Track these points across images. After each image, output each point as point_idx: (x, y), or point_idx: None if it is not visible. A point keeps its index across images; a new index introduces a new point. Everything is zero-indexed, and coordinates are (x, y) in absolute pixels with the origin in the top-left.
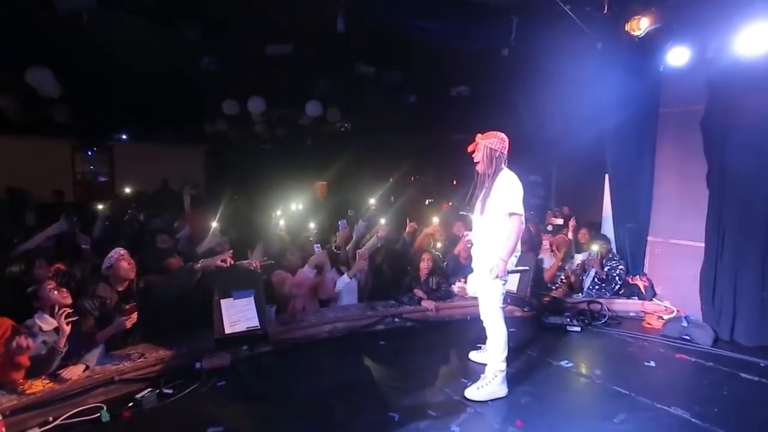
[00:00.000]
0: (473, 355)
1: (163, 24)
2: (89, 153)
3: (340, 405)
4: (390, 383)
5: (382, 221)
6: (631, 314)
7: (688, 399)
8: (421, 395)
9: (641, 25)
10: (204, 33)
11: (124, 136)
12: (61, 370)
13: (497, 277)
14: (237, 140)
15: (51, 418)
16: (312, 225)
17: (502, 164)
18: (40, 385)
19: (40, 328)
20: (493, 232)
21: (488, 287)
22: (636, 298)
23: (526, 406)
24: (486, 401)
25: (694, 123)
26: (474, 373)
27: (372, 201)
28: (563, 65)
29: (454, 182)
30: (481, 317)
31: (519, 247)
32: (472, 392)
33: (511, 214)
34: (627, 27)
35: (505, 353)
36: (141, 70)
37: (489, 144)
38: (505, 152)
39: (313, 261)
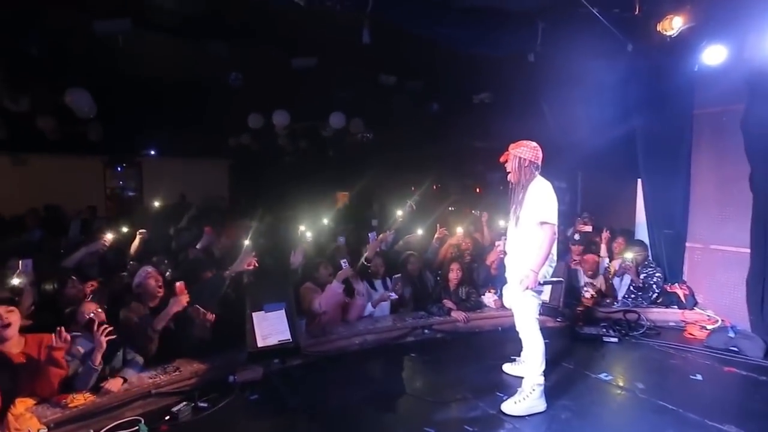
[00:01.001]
0: (507, 368)
1: (190, 41)
2: (119, 169)
3: (373, 419)
4: (423, 396)
5: (419, 231)
6: (671, 324)
7: (741, 415)
8: (456, 409)
9: (674, 25)
10: (230, 48)
11: (152, 152)
12: (103, 382)
13: (528, 288)
14: (260, 153)
15: (92, 431)
16: (342, 239)
17: (534, 173)
18: (81, 399)
19: (78, 350)
20: (526, 243)
21: (523, 299)
22: (675, 307)
23: (566, 421)
24: (524, 416)
25: (732, 123)
26: (509, 386)
27: (399, 212)
28: (591, 68)
29: (478, 190)
30: (517, 329)
31: (554, 256)
32: (509, 407)
33: (542, 224)
34: (659, 27)
35: (543, 366)
36: (168, 86)
37: (518, 153)
38: (537, 160)
39: (341, 276)
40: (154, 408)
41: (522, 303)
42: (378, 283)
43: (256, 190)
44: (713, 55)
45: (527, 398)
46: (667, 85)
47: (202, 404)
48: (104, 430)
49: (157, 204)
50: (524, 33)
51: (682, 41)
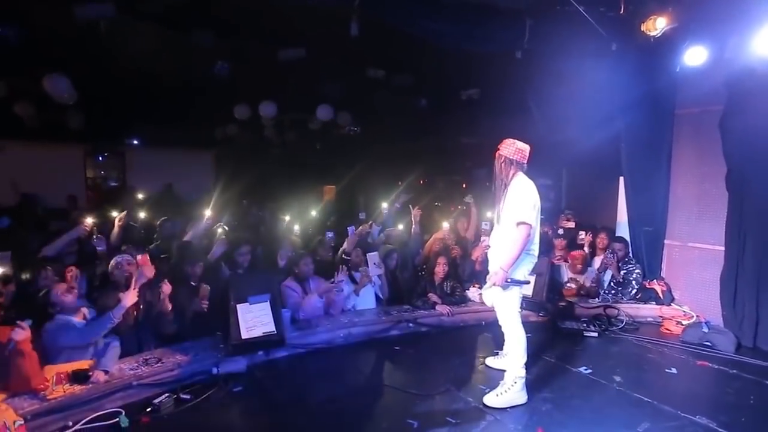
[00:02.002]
0: (490, 361)
1: (175, 30)
2: (101, 158)
3: (357, 411)
4: (407, 389)
5: (400, 225)
6: (649, 319)
7: (713, 408)
8: (439, 402)
9: (657, 25)
10: (216, 38)
11: (135, 142)
12: (91, 373)
13: (495, 284)
14: (246, 144)
15: (71, 423)
16: (330, 235)
17: (517, 171)
18: (60, 390)
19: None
20: (504, 240)
21: (501, 294)
22: (653, 302)
23: (547, 413)
24: (505, 408)
25: (711, 124)
26: (492, 379)
27: (384, 205)
28: (577, 67)
29: (464, 186)
30: (500, 323)
31: (536, 253)
32: (491, 399)
33: (518, 223)
34: (643, 27)
35: (525, 359)
36: (153, 75)
37: (502, 151)
38: (522, 159)
39: (322, 290)
40: (136, 400)
41: (501, 298)
42: (359, 276)
43: (243, 182)
44: (694, 56)
45: (509, 391)
46: (651, 85)
47: (184, 396)
48: (84, 421)
49: (140, 194)
50: (512, 30)
51: (665, 42)
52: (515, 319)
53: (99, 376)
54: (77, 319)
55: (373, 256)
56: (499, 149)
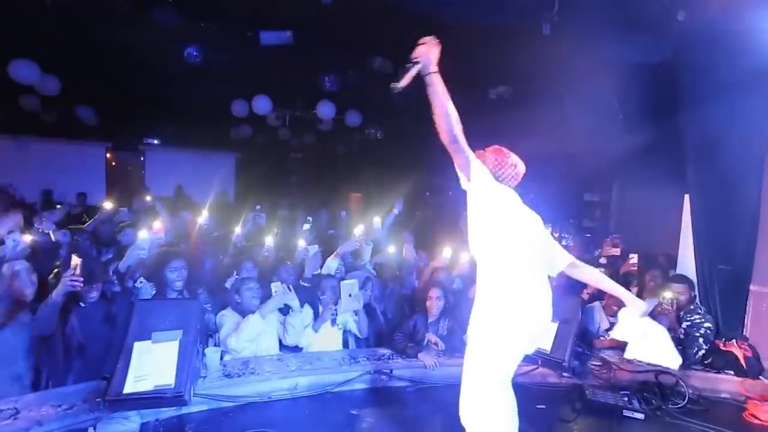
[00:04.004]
0: None
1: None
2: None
3: None
4: None
5: (391, 249)
6: (724, 396)
7: None
8: None
9: None
10: (180, 15)
11: (155, 141)
12: None
13: None
14: (265, 147)
15: None
16: (301, 245)
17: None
18: None
19: None
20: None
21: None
22: (732, 372)
23: None
24: None
25: None
26: None
27: (377, 219)
28: (624, 46)
29: None
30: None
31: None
32: None
33: None
34: None
35: None
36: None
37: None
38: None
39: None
40: None
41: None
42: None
43: (259, 184)
44: None
45: None
46: (736, 68)
47: None
48: None
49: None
50: None
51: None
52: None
53: None
54: None
55: (348, 286)
56: None
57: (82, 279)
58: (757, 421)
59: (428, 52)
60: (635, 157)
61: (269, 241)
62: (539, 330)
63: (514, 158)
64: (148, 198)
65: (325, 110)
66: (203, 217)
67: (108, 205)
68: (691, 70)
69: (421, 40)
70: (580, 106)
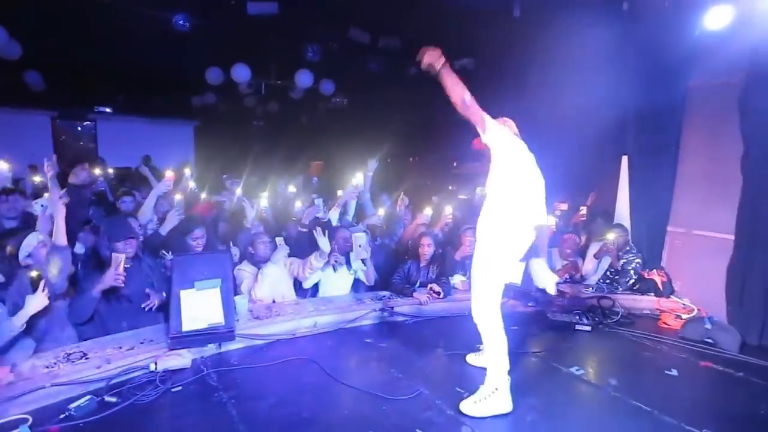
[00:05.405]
0: (471, 359)
1: None
2: (70, 126)
3: (309, 418)
4: (373, 391)
5: (381, 212)
6: (646, 312)
7: (720, 419)
8: (409, 408)
9: None
10: None
11: (108, 110)
12: None
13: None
14: (228, 116)
15: None
16: (299, 205)
17: None
18: None
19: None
20: None
21: (485, 282)
22: (652, 294)
23: (532, 425)
24: (484, 418)
25: (729, 99)
26: (470, 380)
27: (355, 181)
28: (581, 30)
29: (455, 164)
30: (474, 318)
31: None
32: (468, 406)
33: None
34: None
35: (507, 364)
36: (125, 34)
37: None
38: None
39: (278, 256)
40: (52, 403)
41: (483, 287)
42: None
43: (223, 155)
44: (717, 17)
45: (489, 398)
46: (664, 52)
47: (110, 398)
48: None
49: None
50: None
51: (685, 0)
52: (497, 315)
53: (2, 374)
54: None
55: (359, 237)
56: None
57: (125, 275)
58: (666, 327)
59: (431, 59)
60: (582, 125)
61: (263, 202)
62: (513, 267)
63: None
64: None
65: (304, 79)
66: (191, 183)
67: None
68: (630, 54)
69: (422, 50)
70: (539, 80)
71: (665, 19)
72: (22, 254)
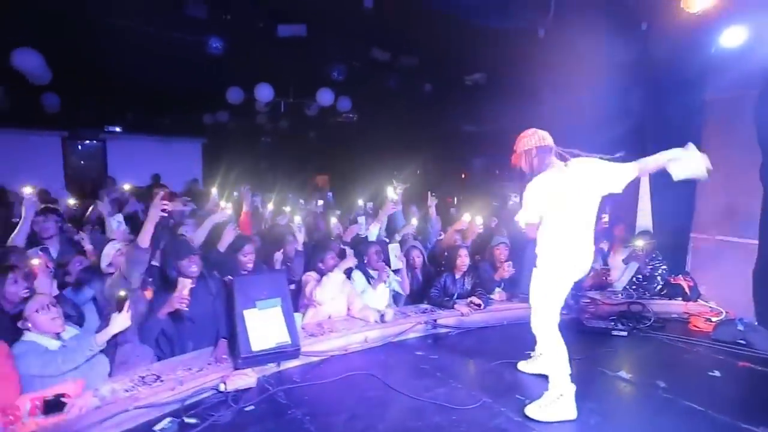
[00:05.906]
0: (523, 366)
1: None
2: (80, 146)
3: (381, 430)
4: (436, 401)
5: (414, 221)
6: (674, 316)
7: None
8: (478, 416)
9: (699, 1)
10: (209, 12)
11: (118, 129)
12: (65, 397)
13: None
14: (237, 132)
15: None
16: (334, 221)
17: (548, 157)
18: (32, 424)
19: None
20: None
21: (542, 295)
22: (679, 299)
23: (597, 428)
24: (550, 423)
25: (745, 110)
26: (528, 387)
27: (391, 195)
28: (603, 49)
29: (463, 176)
30: (533, 329)
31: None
32: (534, 411)
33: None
34: (682, 2)
35: (568, 369)
36: (139, 55)
37: (522, 147)
38: (545, 143)
39: (345, 265)
40: (131, 427)
41: (544, 300)
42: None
43: (232, 171)
44: (733, 36)
45: (554, 403)
46: (681, 69)
47: (188, 419)
48: None
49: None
50: (536, 4)
51: (702, 21)
52: (555, 327)
53: (86, 399)
54: (51, 341)
55: (394, 248)
56: (517, 151)
57: (189, 300)
58: (697, 329)
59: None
60: (604, 136)
61: (298, 220)
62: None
63: (530, 131)
64: (127, 187)
65: (325, 98)
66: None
67: None
68: (649, 70)
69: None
70: (558, 94)
71: (682, 38)
72: (103, 263)
